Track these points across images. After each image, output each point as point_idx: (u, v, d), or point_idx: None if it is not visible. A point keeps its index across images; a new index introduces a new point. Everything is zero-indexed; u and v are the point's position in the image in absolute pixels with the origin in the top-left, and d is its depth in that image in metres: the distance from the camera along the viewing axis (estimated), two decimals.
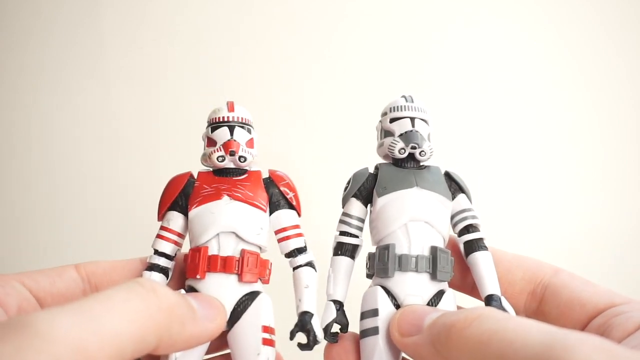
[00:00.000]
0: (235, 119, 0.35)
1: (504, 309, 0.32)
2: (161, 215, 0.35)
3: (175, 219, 0.34)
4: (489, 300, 0.32)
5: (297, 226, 0.35)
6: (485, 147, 0.66)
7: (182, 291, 0.32)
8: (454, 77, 0.66)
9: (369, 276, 0.34)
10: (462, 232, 0.34)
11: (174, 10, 0.65)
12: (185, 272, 0.33)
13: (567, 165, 0.67)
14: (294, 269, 0.34)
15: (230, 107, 0.35)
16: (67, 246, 0.63)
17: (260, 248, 0.33)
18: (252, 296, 0.32)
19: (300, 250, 0.34)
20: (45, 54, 0.64)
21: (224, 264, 0.32)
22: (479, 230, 0.34)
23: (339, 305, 0.33)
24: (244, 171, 0.35)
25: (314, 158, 0.65)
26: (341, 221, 0.34)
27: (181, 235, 0.34)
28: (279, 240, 0.34)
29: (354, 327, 0.33)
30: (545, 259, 0.34)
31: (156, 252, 0.34)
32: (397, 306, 0.31)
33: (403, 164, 0.34)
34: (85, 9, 0.64)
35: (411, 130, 0.34)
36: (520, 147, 0.67)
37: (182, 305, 0.27)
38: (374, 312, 0.31)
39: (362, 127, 0.64)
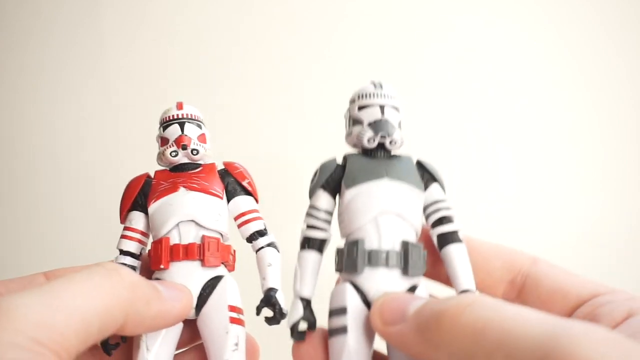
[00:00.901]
0: (185, 116, 0.36)
1: None
2: (123, 217, 0.36)
3: (137, 218, 0.35)
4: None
5: (255, 210, 0.36)
6: (485, 147, 0.66)
7: None
8: (454, 77, 0.66)
9: (337, 270, 0.32)
10: (435, 224, 0.32)
11: (174, 10, 0.65)
12: (150, 267, 0.34)
13: (566, 165, 0.67)
14: (257, 251, 0.35)
15: (179, 106, 0.36)
16: (67, 246, 0.63)
17: (221, 235, 0.34)
18: (216, 280, 0.33)
19: (261, 233, 0.35)
20: (45, 54, 0.64)
21: (186, 252, 0.33)
22: (453, 222, 0.32)
23: (306, 302, 0.31)
24: (199, 165, 0.36)
25: (313, 158, 0.65)
26: (308, 214, 0.33)
27: (144, 234, 0.35)
28: (239, 226, 0.35)
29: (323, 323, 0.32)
30: (546, 259, 0.34)
31: (122, 252, 0.35)
32: (367, 303, 0.29)
33: (373, 154, 0.33)
34: (85, 9, 0.64)
35: (380, 119, 0.32)
36: (520, 147, 0.67)
37: (146, 284, 0.28)
38: (342, 311, 0.29)
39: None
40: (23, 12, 0.64)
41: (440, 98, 0.66)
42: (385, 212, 0.30)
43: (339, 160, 0.34)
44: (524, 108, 0.67)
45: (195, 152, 0.35)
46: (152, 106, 0.66)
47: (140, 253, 0.35)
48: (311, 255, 0.32)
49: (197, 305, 0.32)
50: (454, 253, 0.32)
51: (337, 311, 0.30)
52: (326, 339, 0.31)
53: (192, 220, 0.33)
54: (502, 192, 0.66)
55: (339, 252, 0.31)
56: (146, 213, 0.35)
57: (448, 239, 0.32)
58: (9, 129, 0.64)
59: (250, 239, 0.35)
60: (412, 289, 0.30)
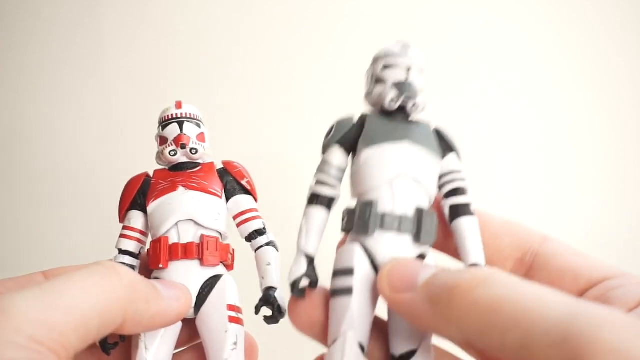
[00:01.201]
0: (184, 115, 0.36)
1: None
2: (122, 216, 0.36)
3: (136, 217, 0.35)
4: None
5: (254, 209, 0.35)
6: (484, 147, 0.66)
7: None
8: (454, 77, 0.66)
9: (345, 230, 0.31)
10: (448, 195, 0.31)
11: (174, 10, 0.65)
12: (149, 267, 0.34)
13: (566, 166, 0.67)
14: (256, 250, 0.35)
15: (178, 105, 0.36)
16: (67, 246, 0.63)
17: (220, 234, 0.34)
18: (215, 279, 0.33)
19: (260, 232, 0.35)
20: (45, 54, 0.64)
21: (185, 251, 0.33)
22: (467, 194, 0.31)
23: (310, 259, 0.30)
24: (198, 164, 0.36)
25: (313, 158, 0.65)
26: (319, 170, 0.32)
27: (143, 233, 0.35)
28: (238, 225, 0.35)
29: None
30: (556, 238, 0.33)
31: (120, 251, 0.35)
32: (375, 266, 0.29)
33: (392, 116, 0.31)
34: (85, 9, 0.64)
35: (405, 80, 0.31)
36: (519, 147, 0.67)
37: (145, 283, 0.27)
38: (349, 271, 0.28)
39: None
40: (23, 12, 0.64)
41: (440, 98, 0.66)
42: (402, 175, 0.29)
43: (356, 119, 0.32)
44: (523, 108, 0.67)
45: (194, 151, 0.35)
46: (152, 106, 0.66)
47: (139, 252, 0.35)
48: (319, 211, 0.31)
49: (196, 304, 0.32)
50: (465, 225, 0.31)
51: (343, 271, 0.29)
52: (326, 298, 0.30)
53: (191, 220, 0.33)
54: (501, 192, 0.66)
55: (349, 211, 0.30)
56: (145, 212, 0.35)
57: (460, 211, 0.31)
58: (9, 129, 0.64)
59: (249, 238, 0.35)
60: (421, 257, 0.29)
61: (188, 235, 0.33)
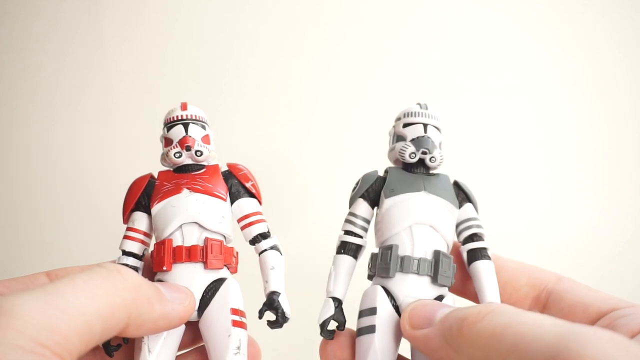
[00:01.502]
0: (189, 117, 0.36)
1: None
2: (126, 218, 0.36)
3: (140, 219, 0.35)
4: None
5: (258, 212, 0.36)
6: (484, 147, 0.66)
7: None
8: (453, 77, 0.66)
9: (370, 277, 0.34)
10: (466, 241, 0.34)
11: (174, 10, 0.65)
12: (152, 269, 0.34)
13: (566, 167, 0.67)
14: (260, 254, 0.35)
15: (184, 106, 0.36)
16: (66, 248, 0.63)
17: (224, 237, 0.34)
18: (219, 282, 0.33)
19: (264, 236, 0.35)
20: (45, 53, 0.64)
21: (189, 253, 0.33)
22: (483, 240, 0.34)
23: (338, 302, 0.33)
24: (202, 166, 0.36)
25: (313, 157, 0.65)
26: (347, 220, 0.35)
27: (147, 235, 0.35)
28: (242, 228, 0.35)
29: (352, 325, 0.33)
30: (547, 260, 0.35)
31: (124, 253, 0.35)
32: (396, 307, 0.31)
33: (413, 169, 0.35)
34: (85, 9, 0.64)
35: (423, 136, 0.34)
36: (520, 148, 0.67)
37: (149, 286, 0.27)
38: (372, 311, 0.31)
39: (361, 125, 0.64)
40: (23, 12, 0.64)
41: (440, 98, 0.66)
42: (420, 222, 0.32)
43: (381, 173, 0.35)
44: (523, 109, 0.67)
45: (199, 153, 0.35)
46: (152, 106, 0.66)
47: (143, 254, 0.35)
48: (346, 259, 0.34)
49: (199, 307, 0.32)
50: (482, 269, 0.33)
51: (367, 311, 0.31)
52: (353, 338, 0.32)
53: (196, 222, 0.33)
54: (501, 192, 0.66)
55: (373, 257, 0.33)
56: (149, 214, 0.35)
57: (477, 255, 0.34)
58: (9, 130, 0.64)
59: (254, 241, 0.35)
60: (439, 298, 0.32)
61: (192, 237, 0.33)
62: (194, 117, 0.36)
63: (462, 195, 0.35)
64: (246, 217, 0.35)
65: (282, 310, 0.32)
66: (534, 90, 0.67)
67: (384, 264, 0.32)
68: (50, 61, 0.64)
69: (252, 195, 0.36)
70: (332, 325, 0.32)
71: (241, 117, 0.65)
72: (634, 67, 0.66)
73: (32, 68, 0.64)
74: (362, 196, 0.35)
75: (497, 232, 0.65)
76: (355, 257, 0.34)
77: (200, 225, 0.33)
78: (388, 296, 0.31)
